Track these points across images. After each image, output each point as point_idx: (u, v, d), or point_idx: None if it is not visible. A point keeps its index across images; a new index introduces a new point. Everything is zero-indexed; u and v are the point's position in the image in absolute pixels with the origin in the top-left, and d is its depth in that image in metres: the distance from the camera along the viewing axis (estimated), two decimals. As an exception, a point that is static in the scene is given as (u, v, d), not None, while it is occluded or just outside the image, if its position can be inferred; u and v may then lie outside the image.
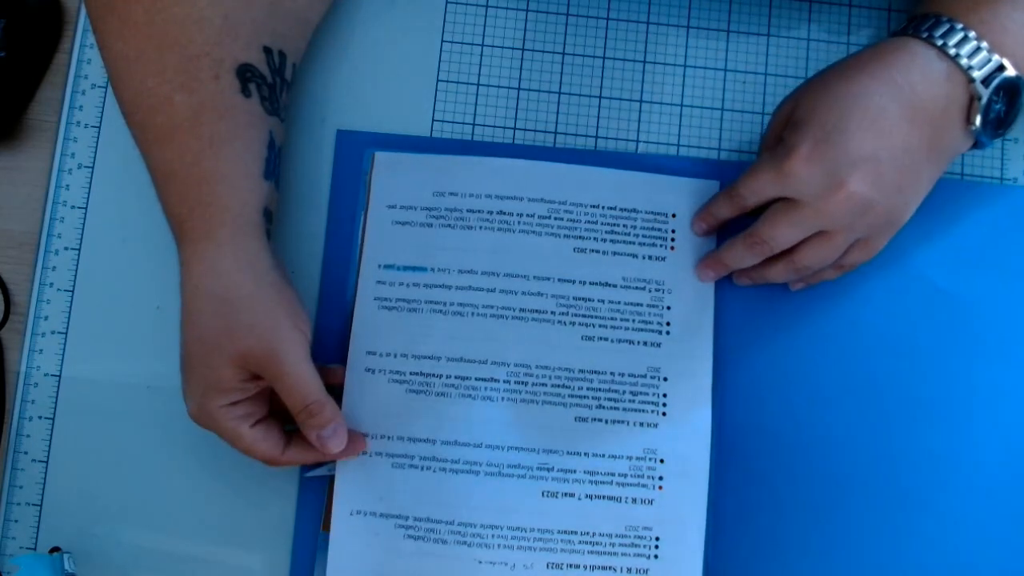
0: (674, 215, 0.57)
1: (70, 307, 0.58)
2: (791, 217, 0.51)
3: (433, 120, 0.59)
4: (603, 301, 0.56)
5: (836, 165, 0.49)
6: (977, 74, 0.49)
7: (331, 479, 0.55)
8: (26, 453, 0.56)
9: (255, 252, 0.50)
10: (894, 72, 0.50)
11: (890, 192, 0.50)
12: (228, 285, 0.49)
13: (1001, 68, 0.49)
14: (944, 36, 0.49)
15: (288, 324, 0.49)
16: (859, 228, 0.52)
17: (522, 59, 0.60)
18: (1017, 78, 0.50)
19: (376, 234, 0.57)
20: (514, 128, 0.59)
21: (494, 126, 0.59)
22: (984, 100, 0.49)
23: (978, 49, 0.49)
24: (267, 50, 0.51)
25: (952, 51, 0.49)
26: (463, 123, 0.59)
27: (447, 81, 0.60)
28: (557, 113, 0.59)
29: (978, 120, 0.50)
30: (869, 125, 0.49)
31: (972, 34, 0.49)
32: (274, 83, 0.52)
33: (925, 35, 0.50)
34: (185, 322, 0.50)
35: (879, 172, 0.49)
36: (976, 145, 0.52)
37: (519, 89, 0.59)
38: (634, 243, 0.57)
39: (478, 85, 0.60)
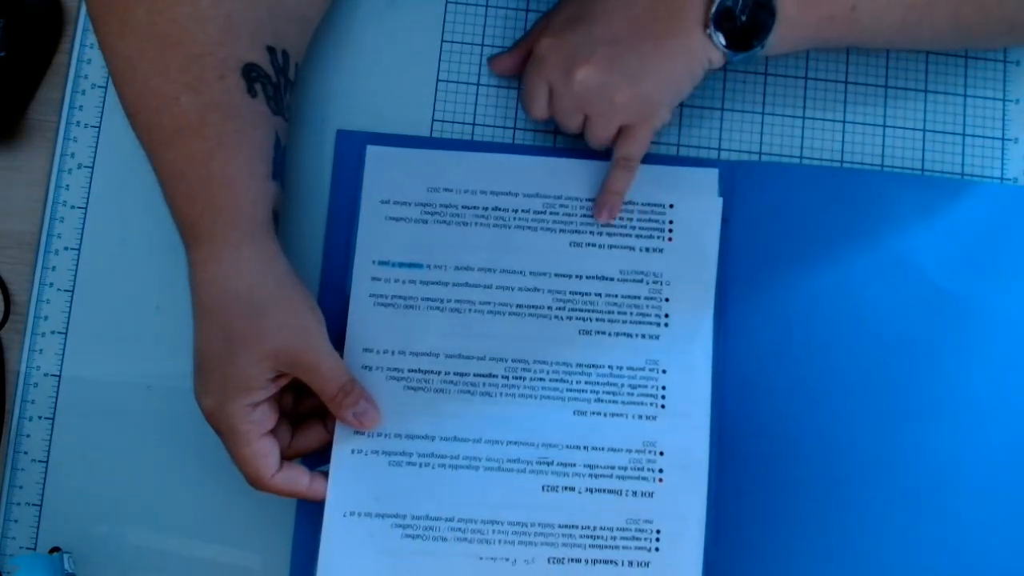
0: (671, 205, 0.57)
1: (70, 307, 0.58)
2: (551, 100, 0.54)
3: (433, 120, 0.59)
4: (600, 295, 0.56)
5: (576, 48, 0.51)
6: None
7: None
8: (26, 453, 0.56)
9: (271, 252, 0.51)
10: None
11: (633, 78, 0.51)
12: (252, 285, 0.49)
13: None
14: None
15: (313, 318, 0.50)
16: (613, 114, 0.53)
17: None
18: None
19: (369, 229, 0.57)
20: (514, 128, 0.59)
21: (494, 126, 0.59)
22: (717, 3, 0.50)
23: None
24: (271, 49, 0.51)
25: None
26: (463, 123, 0.59)
27: (447, 81, 0.60)
28: (557, 113, 0.59)
29: (711, 26, 0.50)
30: (613, 12, 0.51)
31: None
32: (278, 83, 0.52)
33: None
34: (204, 321, 0.50)
35: (618, 56, 0.51)
36: (726, 60, 0.52)
37: (519, 89, 0.59)
38: (631, 235, 0.57)
39: (478, 85, 0.60)
